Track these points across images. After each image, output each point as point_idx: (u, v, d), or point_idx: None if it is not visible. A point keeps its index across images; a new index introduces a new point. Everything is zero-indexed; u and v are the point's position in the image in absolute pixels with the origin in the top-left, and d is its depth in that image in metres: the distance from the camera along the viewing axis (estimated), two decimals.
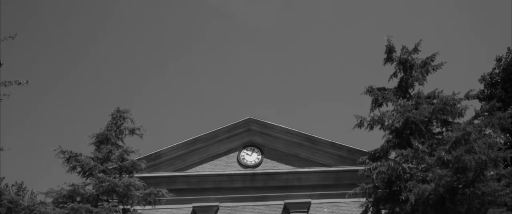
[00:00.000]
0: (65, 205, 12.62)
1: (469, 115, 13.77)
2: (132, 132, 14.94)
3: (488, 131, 12.86)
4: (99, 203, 12.87)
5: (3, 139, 47.55)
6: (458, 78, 50.38)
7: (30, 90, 54.07)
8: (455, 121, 13.94)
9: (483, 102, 16.42)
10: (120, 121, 15.02)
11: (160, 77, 57.38)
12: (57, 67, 55.85)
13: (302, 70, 56.17)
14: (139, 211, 13.74)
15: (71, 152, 14.04)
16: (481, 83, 20.46)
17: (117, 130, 14.85)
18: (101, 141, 14.56)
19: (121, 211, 12.89)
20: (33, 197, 21.39)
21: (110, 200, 13.02)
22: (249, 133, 19.57)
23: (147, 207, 14.50)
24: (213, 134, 19.34)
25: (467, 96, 13.98)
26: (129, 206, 13.56)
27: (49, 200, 13.19)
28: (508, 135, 14.57)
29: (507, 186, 11.71)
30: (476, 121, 13.26)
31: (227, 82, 57.45)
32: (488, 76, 20.24)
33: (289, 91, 57.21)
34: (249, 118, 19.46)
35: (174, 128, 55.68)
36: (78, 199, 13.16)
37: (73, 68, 55.79)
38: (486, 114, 13.31)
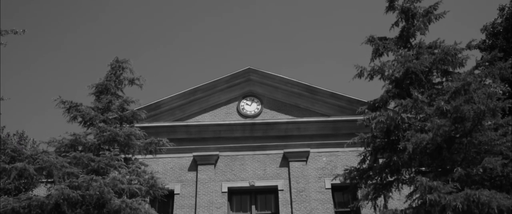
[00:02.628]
0: (67, 154, 12.80)
1: (470, 65, 13.74)
2: (131, 82, 14.94)
3: (488, 81, 12.83)
4: (100, 152, 13.06)
5: (3, 89, 47.59)
6: (460, 28, 49.79)
7: (29, 40, 53.53)
8: (456, 71, 13.89)
9: (485, 52, 16.29)
10: (119, 71, 14.99)
11: (159, 27, 56.67)
12: (56, 17, 55.01)
13: (303, 21, 55.41)
14: (140, 160, 13.95)
15: (71, 102, 14.08)
16: (483, 33, 20.26)
17: (117, 80, 14.85)
18: (101, 91, 14.59)
19: (122, 160, 13.08)
20: (35, 146, 21.64)
21: (112, 149, 13.21)
22: (249, 83, 19.56)
23: (148, 156, 14.73)
24: (213, 84, 19.34)
25: (469, 46, 13.85)
26: (130, 155, 13.76)
27: (51, 149, 13.36)
28: (507, 85, 14.54)
29: (504, 135, 11.83)
30: (476, 71, 13.21)
31: (227, 31, 56.79)
32: (490, 26, 20.00)
33: (289, 41, 56.70)
34: (249, 68, 19.39)
35: (173, 78, 55.60)
36: (80, 148, 13.33)
37: (73, 18, 54.96)
38: (487, 64, 13.24)
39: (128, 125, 14.27)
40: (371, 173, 13.43)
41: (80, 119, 14.03)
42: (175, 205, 17.29)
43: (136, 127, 14.31)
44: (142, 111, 14.93)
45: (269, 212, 17.46)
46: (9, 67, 51.14)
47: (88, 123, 13.97)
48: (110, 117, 13.96)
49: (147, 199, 14.02)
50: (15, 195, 13.13)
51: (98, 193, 11.56)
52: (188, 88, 19.16)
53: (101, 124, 13.45)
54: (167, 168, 18.05)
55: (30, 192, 13.56)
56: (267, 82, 19.46)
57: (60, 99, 14.00)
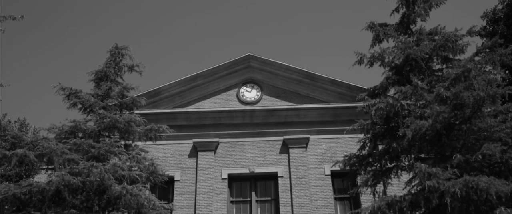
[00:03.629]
0: (67, 141, 12.84)
1: (470, 51, 13.72)
2: (131, 68, 14.92)
3: (488, 67, 12.81)
4: (101, 139, 13.09)
5: (3, 76, 47.54)
6: (461, 14, 49.53)
7: (29, 27, 53.30)
8: (456, 57, 13.86)
9: (485, 38, 16.23)
10: (119, 57, 14.97)
11: (159, 14, 56.40)
12: (56, 3, 54.71)
13: (303, 6, 55.10)
14: (140, 147, 13.99)
15: (71, 88, 14.08)
16: (483, 19, 20.15)
17: (116, 67, 14.83)
18: (101, 77, 14.58)
19: (122, 146, 13.12)
20: (35, 133, 21.68)
21: (112, 136, 13.24)
22: (249, 70, 19.53)
23: (148, 142, 14.77)
24: (213, 71, 19.31)
25: (469, 33, 13.79)
26: (130, 142, 13.79)
27: (51, 136, 13.40)
28: (507, 71, 14.53)
29: (503, 122, 11.84)
30: (477, 58, 13.18)
31: (227, 18, 56.53)
32: (491, 12, 19.89)
33: (289, 28, 56.46)
34: (249, 55, 19.34)
35: (173, 65, 55.50)
36: (80, 135, 13.37)
37: (73, 4, 54.66)
38: (487, 50, 13.20)
39: (128, 112, 14.28)
40: (370, 160, 13.47)
41: (80, 106, 14.04)
42: (175, 191, 17.38)
43: (136, 113, 14.33)
44: (142, 97, 14.94)
45: (269, 198, 17.56)
46: (9, 54, 51.01)
47: (88, 110, 13.99)
48: (110, 104, 13.98)
49: (148, 186, 14.09)
50: (16, 182, 13.21)
51: (98, 179, 11.62)
52: (188, 75, 19.15)
53: (101, 111, 13.46)
54: (167, 154, 18.11)
55: (31, 179, 13.62)
56: (267, 69, 19.43)
57: (59, 86, 14.00)
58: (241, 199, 17.59)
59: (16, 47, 53.83)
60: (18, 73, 55.09)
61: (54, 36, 58.41)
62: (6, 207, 11.95)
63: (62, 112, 58.65)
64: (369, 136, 13.55)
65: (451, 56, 13.88)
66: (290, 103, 18.82)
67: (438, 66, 14.12)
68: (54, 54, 57.67)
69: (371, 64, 14.23)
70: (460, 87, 11.60)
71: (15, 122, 23.58)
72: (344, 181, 17.19)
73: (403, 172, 13.76)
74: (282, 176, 17.52)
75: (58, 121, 20.19)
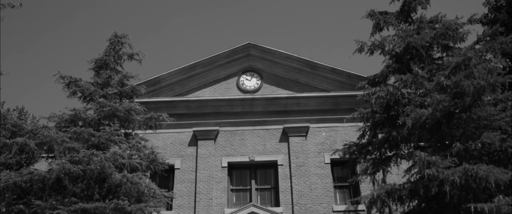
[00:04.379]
0: (67, 129, 12.84)
1: (471, 39, 13.69)
2: (130, 57, 14.88)
3: (489, 56, 12.78)
4: (101, 127, 13.10)
5: (3, 64, 47.45)
6: (462, 1, 49.26)
7: (28, 15, 53.08)
8: (456, 46, 13.83)
9: (486, 27, 16.16)
10: (118, 46, 14.91)
11: (159, 1, 56.13)
12: None
13: None
14: (140, 135, 14.00)
15: (71, 77, 14.05)
16: (485, 7, 20.03)
17: (116, 55, 14.79)
18: (100, 66, 14.54)
19: (122, 135, 13.13)
20: (35, 121, 21.69)
21: (112, 125, 13.24)
22: (249, 58, 19.48)
23: (148, 131, 14.78)
24: (213, 59, 19.26)
25: (470, 21, 13.74)
26: (130, 130, 13.80)
27: (51, 124, 13.40)
28: (508, 60, 14.49)
29: (503, 110, 11.85)
30: (477, 46, 13.14)
31: (227, 6, 56.28)
32: (493, 0, 19.76)
33: (289, 16, 56.24)
34: (249, 43, 19.28)
35: (173, 53, 55.39)
36: (80, 123, 13.37)
37: None
38: (488, 38, 13.16)
39: (127, 100, 14.27)
40: (370, 148, 13.50)
41: (79, 94, 14.03)
42: (175, 180, 17.44)
43: (136, 102, 14.32)
44: (142, 86, 14.92)
45: (269, 186, 17.63)
46: (8, 42, 50.86)
47: (88, 98, 13.98)
48: (110, 92, 13.95)
49: (148, 174, 14.14)
50: (17, 170, 13.24)
51: (99, 167, 11.65)
52: (187, 63, 19.10)
53: (101, 99, 13.45)
54: (167, 143, 18.14)
55: (31, 167, 13.65)
56: (267, 57, 19.37)
57: (59, 75, 13.96)
58: (241, 187, 17.67)
59: (15, 35, 53.66)
60: (16, 62, 54.99)
61: (54, 24, 58.21)
62: (7, 195, 12.00)
63: (61, 101, 58.64)
64: (369, 124, 13.56)
65: (451, 44, 13.85)
66: (290, 92, 18.81)
67: (438, 55, 14.10)
68: (53, 43, 57.53)
69: (372, 53, 14.20)
70: (460, 75, 11.59)
71: (14, 110, 23.59)
72: (343, 169, 17.26)
73: (402, 161, 13.80)
74: (282, 165, 17.57)
75: (58, 110, 20.17)
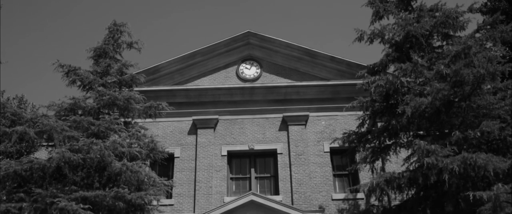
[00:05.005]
0: (67, 118, 12.84)
1: (471, 28, 13.64)
2: (130, 45, 14.84)
3: (489, 44, 12.76)
4: (100, 116, 13.10)
5: (2, 53, 47.34)
6: None
7: (28, 2, 52.80)
8: (456, 34, 13.80)
9: (487, 15, 16.11)
10: (117, 34, 14.86)
11: None
12: None
13: None
14: (140, 124, 14.01)
15: (70, 65, 14.02)
16: None
17: (115, 44, 14.74)
18: (99, 55, 14.50)
19: (122, 123, 13.14)
20: (35, 110, 21.68)
21: (111, 113, 13.23)
22: (248, 47, 19.42)
23: (147, 120, 14.79)
24: (212, 48, 19.19)
25: (470, 9, 13.71)
26: (130, 119, 13.80)
27: (51, 113, 13.40)
28: (508, 48, 14.46)
29: (503, 99, 11.86)
30: (477, 35, 13.12)
31: None
32: None
33: (289, 4, 55.98)
34: (248, 31, 19.20)
35: (172, 42, 55.23)
36: (79, 112, 13.37)
37: None
38: (488, 27, 13.13)
39: (127, 89, 14.26)
40: (369, 137, 13.54)
41: (79, 83, 14.01)
42: (175, 168, 17.47)
43: (135, 90, 14.31)
44: (141, 74, 14.89)
45: (268, 175, 17.69)
46: (7, 31, 50.65)
47: (87, 87, 13.96)
48: (109, 81, 13.94)
49: (148, 162, 14.17)
50: (17, 158, 13.28)
51: (98, 156, 11.68)
52: (187, 52, 19.04)
53: (100, 88, 13.43)
54: (167, 131, 18.15)
55: (31, 155, 13.68)
56: (266, 46, 19.31)
57: (58, 63, 13.93)
58: (240, 176, 17.72)
59: (14, 23, 53.43)
60: (15, 51, 54.84)
61: (54, 13, 57.94)
62: (7, 183, 12.04)
63: (61, 89, 58.56)
64: (368, 113, 13.58)
65: (451, 33, 13.82)
66: (289, 81, 18.78)
67: (438, 43, 14.08)
68: (54, 32, 57.31)
69: (371, 41, 14.18)
70: (460, 64, 11.58)
71: (14, 98, 23.57)
72: (343, 158, 17.30)
73: (401, 149, 13.85)
74: (281, 153, 17.60)
75: (57, 98, 20.13)
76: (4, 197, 11.94)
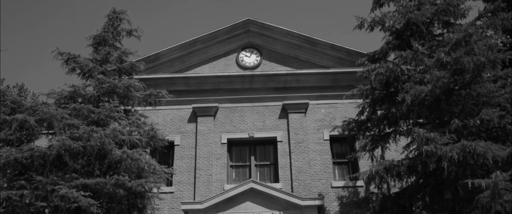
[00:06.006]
0: (67, 106, 12.86)
1: (472, 16, 13.58)
2: (129, 33, 14.80)
3: (489, 32, 12.70)
4: (100, 104, 13.11)
5: (2, 41, 47.21)
6: None
7: None
8: (457, 22, 13.73)
9: (488, 3, 16.02)
10: (117, 22, 14.82)
11: None
12: None
13: None
14: (140, 112, 14.02)
15: (69, 53, 13.99)
16: None
17: (114, 32, 14.71)
18: (99, 42, 14.46)
19: (122, 111, 13.15)
20: (35, 98, 21.68)
21: (111, 101, 13.24)
22: (248, 34, 19.35)
23: (147, 108, 14.81)
24: (212, 35, 19.13)
25: None
26: (130, 107, 13.81)
27: (51, 101, 13.40)
28: (509, 36, 14.39)
29: (503, 87, 11.84)
30: (478, 22, 13.05)
31: None
32: None
33: None
34: (248, 19, 19.11)
35: (172, 29, 55.01)
36: (79, 100, 13.38)
37: None
38: (489, 14, 13.06)
39: (127, 77, 14.25)
40: (369, 125, 13.55)
41: (78, 71, 14.00)
42: (175, 156, 17.53)
43: (135, 78, 14.30)
44: (141, 62, 14.88)
45: (268, 162, 17.74)
46: (7, 19, 50.45)
47: (87, 75, 13.96)
48: (109, 69, 13.92)
49: (148, 150, 14.21)
50: (17, 146, 13.32)
51: (99, 144, 11.71)
52: (187, 39, 18.98)
53: (100, 76, 13.43)
54: (167, 119, 18.17)
55: (32, 143, 13.72)
56: (266, 33, 19.24)
57: (57, 51, 13.90)
58: (240, 164, 17.77)
59: (14, 11, 53.18)
60: (15, 39, 54.65)
61: (54, 1, 57.60)
62: (8, 171, 12.10)
63: (61, 77, 58.45)
64: (368, 101, 13.58)
65: (452, 20, 13.76)
66: (289, 69, 18.74)
67: (439, 31, 14.02)
68: (53, 20, 57.06)
69: (372, 29, 14.12)
70: (460, 52, 11.55)
71: (14, 87, 23.55)
72: (342, 146, 17.34)
73: (401, 137, 13.87)
74: (281, 141, 17.63)
75: (57, 86, 20.12)
76: (5, 185, 12.00)
